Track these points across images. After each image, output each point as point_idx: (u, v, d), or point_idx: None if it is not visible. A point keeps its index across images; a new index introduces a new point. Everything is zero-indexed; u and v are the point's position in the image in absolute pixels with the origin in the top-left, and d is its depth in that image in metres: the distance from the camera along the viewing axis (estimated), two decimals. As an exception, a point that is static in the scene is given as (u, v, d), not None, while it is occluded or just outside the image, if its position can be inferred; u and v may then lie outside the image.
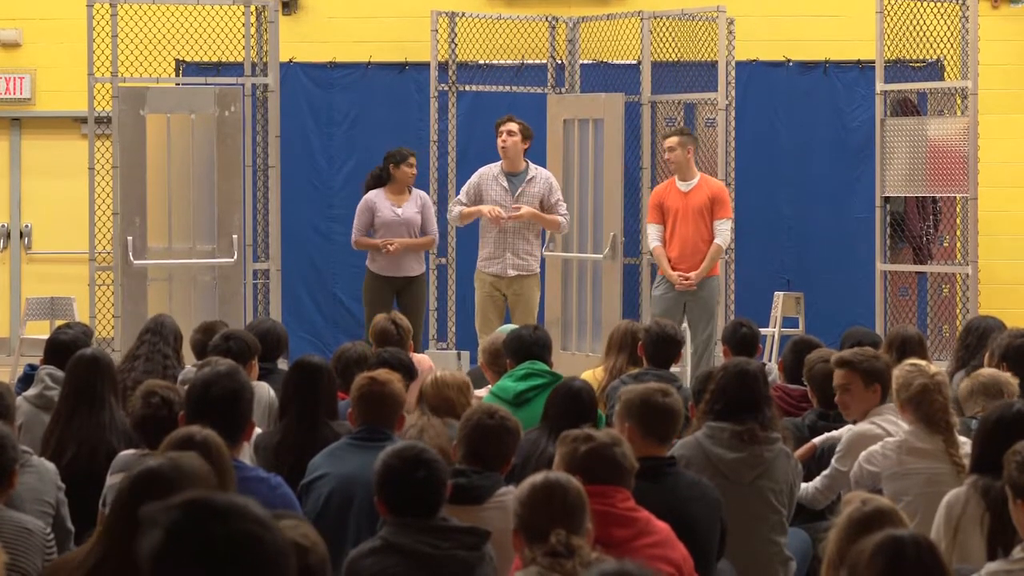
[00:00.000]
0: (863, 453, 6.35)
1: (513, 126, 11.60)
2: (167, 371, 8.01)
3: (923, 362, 6.64)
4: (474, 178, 11.79)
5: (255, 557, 2.61)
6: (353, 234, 11.96)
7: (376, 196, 11.92)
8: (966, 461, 5.89)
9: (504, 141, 11.59)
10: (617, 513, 4.94)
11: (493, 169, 11.74)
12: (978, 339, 8.50)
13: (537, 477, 4.56)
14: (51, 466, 6.12)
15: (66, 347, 7.70)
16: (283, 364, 8.77)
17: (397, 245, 11.74)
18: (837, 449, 6.77)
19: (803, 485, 6.67)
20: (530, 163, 11.76)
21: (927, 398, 6.25)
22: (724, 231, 11.43)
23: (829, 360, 7.23)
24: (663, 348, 8.13)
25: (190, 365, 8.08)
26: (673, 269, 11.42)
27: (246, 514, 2.64)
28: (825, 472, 6.78)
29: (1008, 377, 6.97)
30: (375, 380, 6.09)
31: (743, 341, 8.49)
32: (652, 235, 11.61)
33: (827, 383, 7.08)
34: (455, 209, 11.83)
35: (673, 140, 11.49)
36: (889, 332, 8.77)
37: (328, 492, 5.84)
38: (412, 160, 11.92)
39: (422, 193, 12.06)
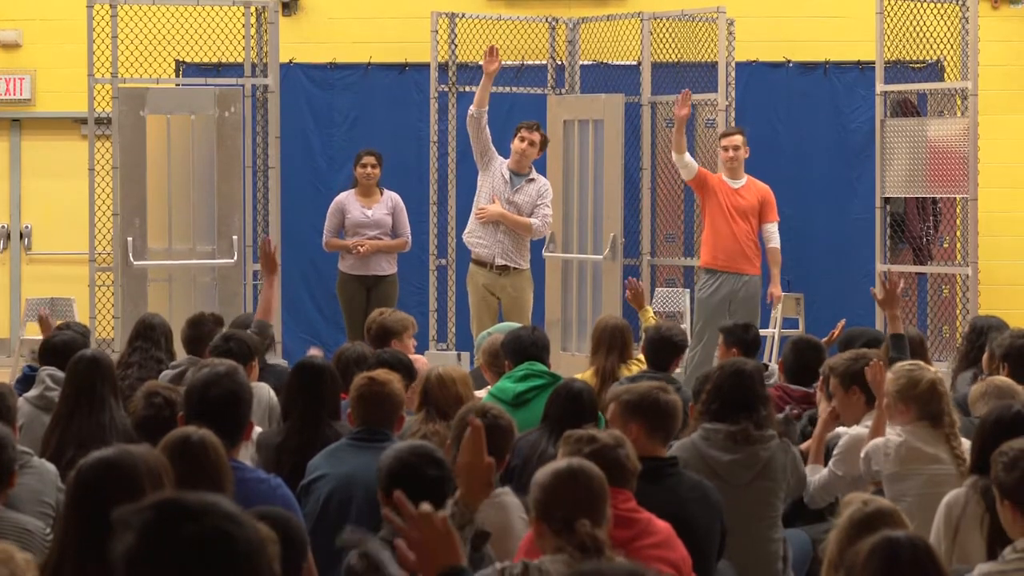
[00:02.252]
0: (868, 446, 6.34)
1: (536, 137, 11.60)
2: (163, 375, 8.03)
3: (920, 362, 6.66)
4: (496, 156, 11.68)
5: (228, 554, 2.62)
6: (324, 235, 12.04)
7: (346, 197, 12.04)
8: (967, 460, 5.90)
9: (524, 149, 11.56)
10: (619, 514, 4.94)
11: (501, 164, 11.75)
12: (986, 339, 8.48)
13: (560, 463, 4.57)
14: (51, 467, 6.12)
15: (58, 350, 7.77)
16: (271, 359, 8.82)
17: (368, 247, 11.80)
18: (834, 453, 6.78)
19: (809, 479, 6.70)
20: (534, 168, 11.79)
21: (935, 395, 6.25)
22: (776, 233, 11.60)
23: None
24: (663, 351, 8.13)
25: (169, 369, 8.07)
26: (713, 268, 11.49)
27: (217, 511, 2.65)
28: (822, 473, 6.79)
29: (1020, 388, 6.97)
30: (374, 380, 6.09)
31: (742, 339, 8.55)
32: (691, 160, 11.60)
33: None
34: (483, 120, 11.54)
35: (738, 139, 11.58)
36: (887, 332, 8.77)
37: (328, 493, 5.84)
38: (366, 160, 12.01)
39: (394, 195, 12.09)
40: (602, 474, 4.54)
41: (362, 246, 11.82)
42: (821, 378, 7.37)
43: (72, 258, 14.33)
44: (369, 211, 11.98)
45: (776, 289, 11.68)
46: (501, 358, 7.95)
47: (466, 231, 11.80)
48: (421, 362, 8.54)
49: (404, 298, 12.18)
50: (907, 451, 6.19)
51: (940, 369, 8.19)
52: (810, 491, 6.76)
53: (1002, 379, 7.13)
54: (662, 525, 5.08)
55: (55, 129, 15.32)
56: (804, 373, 7.84)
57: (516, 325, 8.97)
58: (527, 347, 7.81)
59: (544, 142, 11.73)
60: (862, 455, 6.36)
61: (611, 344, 8.37)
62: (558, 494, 4.45)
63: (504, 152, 11.76)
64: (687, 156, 11.55)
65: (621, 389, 5.91)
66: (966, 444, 6.09)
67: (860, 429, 6.75)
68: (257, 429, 6.73)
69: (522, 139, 11.59)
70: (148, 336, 8.42)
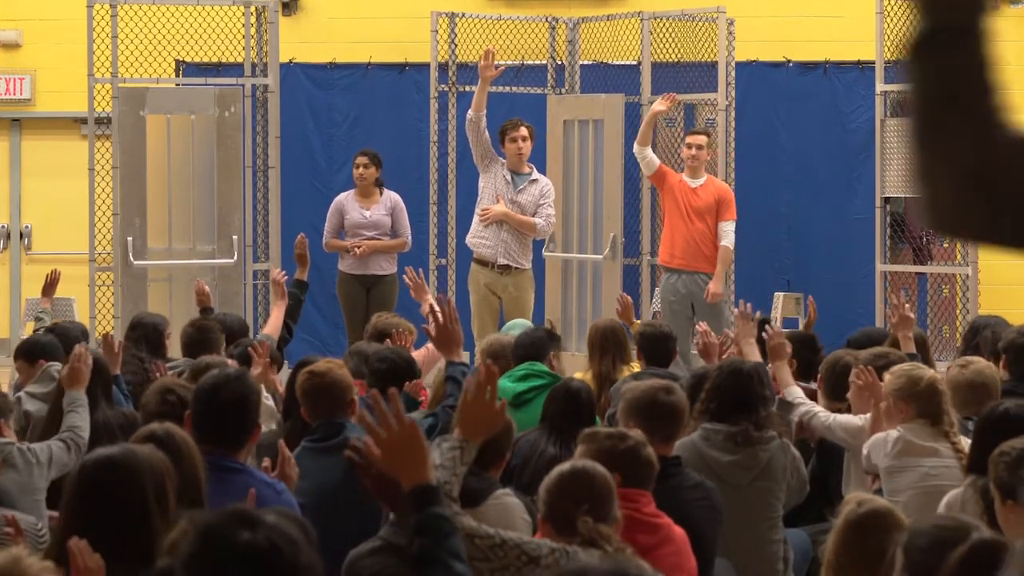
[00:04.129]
0: (869, 441, 6.35)
1: (524, 131, 11.59)
2: (147, 374, 8.06)
3: (918, 364, 6.68)
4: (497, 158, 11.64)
5: (276, 567, 2.79)
6: (324, 236, 12.04)
7: (345, 198, 12.04)
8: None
9: (520, 148, 11.56)
10: (642, 519, 4.90)
11: (501, 166, 11.75)
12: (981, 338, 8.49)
13: (564, 466, 4.60)
14: (26, 447, 6.15)
15: (38, 350, 7.86)
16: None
17: (365, 248, 11.80)
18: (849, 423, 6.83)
19: (823, 418, 6.75)
20: (535, 168, 11.79)
21: (934, 394, 6.26)
22: (730, 232, 11.57)
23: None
24: (659, 346, 8.12)
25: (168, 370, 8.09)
26: (671, 267, 11.56)
27: (274, 527, 2.82)
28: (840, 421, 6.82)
29: (993, 371, 6.95)
30: (314, 373, 6.09)
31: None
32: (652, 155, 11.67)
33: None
34: (481, 123, 11.53)
35: (703, 139, 11.67)
36: (891, 332, 8.78)
37: (312, 518, 5.77)
38: (358, 160, 12.08)
39: (394, 195, 12.10)
40: (607, 473, 4.55)
41: (360, 247, 11.82)
42: (820, 377, 7.38)
43: (72, 258, 14.32)
44: (367, 212, 11.97)
45: (714, 286, 11.57)
46: (501, 358, 7.94)
47: (469, 234, 11.80)
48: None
49: (404, 298, 12.17)
50: (904, 445, 6.19)
51: (940, 369, 8.19)
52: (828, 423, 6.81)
53: (974, 369, 7.01)
54: (678, 531, 5.06)
55: (55, 129, 15.32)
56: (803, 370, 7.86)
57: (528, 323, 8.98)
58: (526, 347, 7.82)
59: (531, 131, 11.70)
60: (864, 451, 6.37)
61: (604, 347, 8.36)
62: (562, 494, 4.47)
63: (504, 154, 11.76)
64: (649, 150, 11.67)
65: (626, 387, 5.91)
66: (966, 442, 6.09)
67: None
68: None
69: (512, 140, 11.59)
70: (130, 337, 8.49)
